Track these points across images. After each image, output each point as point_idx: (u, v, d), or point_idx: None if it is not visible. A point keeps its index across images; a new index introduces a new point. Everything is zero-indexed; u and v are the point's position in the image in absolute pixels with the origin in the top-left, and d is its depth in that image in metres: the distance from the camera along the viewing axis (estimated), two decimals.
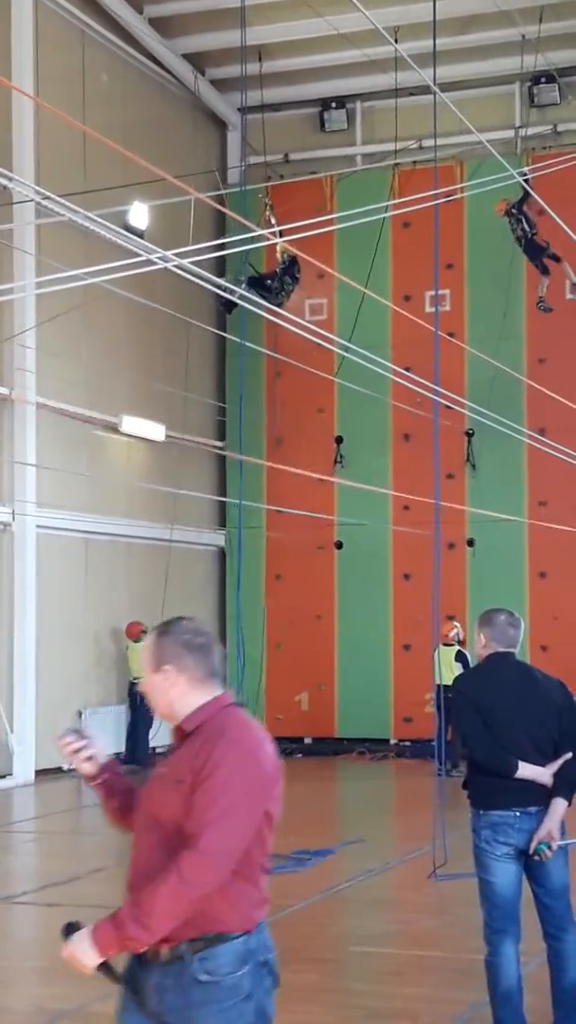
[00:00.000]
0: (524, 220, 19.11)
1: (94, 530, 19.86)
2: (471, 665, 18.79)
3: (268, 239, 16.72)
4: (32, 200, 16.44)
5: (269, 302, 18.46)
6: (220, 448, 22.68)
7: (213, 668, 3.77)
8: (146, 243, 12.87)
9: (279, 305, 19.09)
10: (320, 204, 20.30)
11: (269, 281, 19.88)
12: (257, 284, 19.62)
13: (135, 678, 19.85)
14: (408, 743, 21.16)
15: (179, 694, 3.76)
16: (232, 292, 16.41)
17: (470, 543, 21.82)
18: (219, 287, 15.71)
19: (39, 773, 17.90)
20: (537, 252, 19.34)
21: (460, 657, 18.82)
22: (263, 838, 3.69)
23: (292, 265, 19.85)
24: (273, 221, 18.77)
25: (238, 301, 16.82)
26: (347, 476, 20.74)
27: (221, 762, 3.58)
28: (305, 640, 22.26)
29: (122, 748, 19.75)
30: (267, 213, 19.37)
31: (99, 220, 12.32)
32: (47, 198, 14.27)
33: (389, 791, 18.61)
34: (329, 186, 22.38)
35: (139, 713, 19.75)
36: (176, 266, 11.09)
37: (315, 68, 22.36)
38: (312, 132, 23.44)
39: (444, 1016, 7.12)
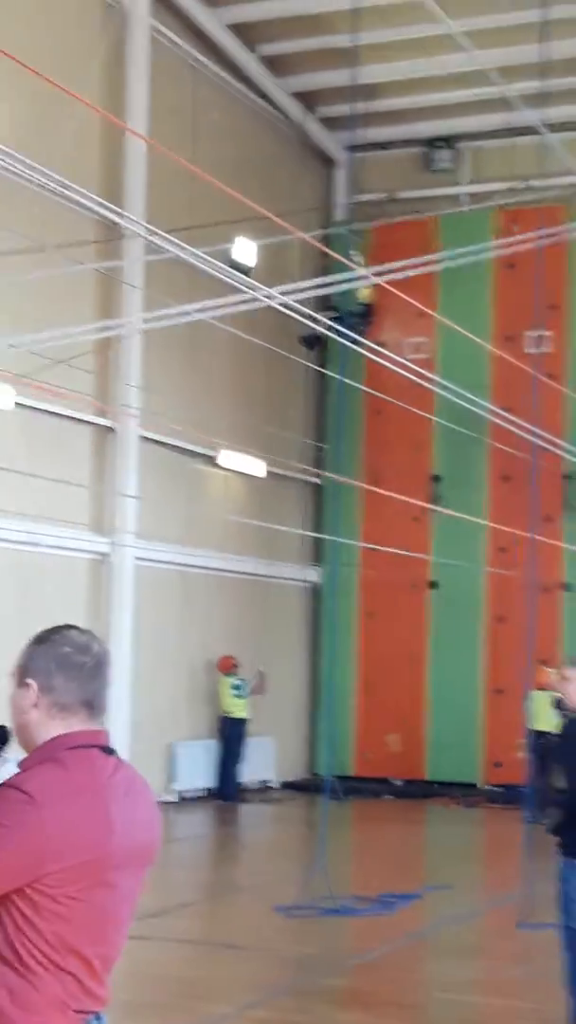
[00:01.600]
0: None
1: (190, 563, 20.00)
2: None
3: (368, 278, 16.81)
4: (141, 236, 16.70)
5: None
6: (317, 483, 22.74)
7: (89, 697, 2.94)
8: (251, 281, 13.04)
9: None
10: (424, 243, 20.37)
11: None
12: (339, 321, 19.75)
13: (225, 712, 19.97)
14: (499, 788, 20.99)
15: (36, 719, 2.93)
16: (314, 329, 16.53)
17: (567, 588, 21.65)
18: (310, 319, 15.83)
19: None
20: None
21: (558, 703, 18.66)
22: (68, 919, 2.78)
23: (367, 313, 19.99)
24: (361, 262, 18.88)
25: (327, 332, 16.89)
26: (443, 516, 20.72)
27: None
28: (397, 680, 22.22)
29: (212, 783, 19.87)
30: (355, 257, 19.45)
31: (206, 257, 12.50)
32: (155, 234, 14.49)
33: (478, 837, 18.48)
34: (434, 225, 22.45)
35: (229, 748, 19.87)
36: (280, 304, 11.22)
37: (423, 107, 22.46)
38: (418, 171, 23.54)
39: None
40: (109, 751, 2.93)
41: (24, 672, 2.95)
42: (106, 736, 2.96)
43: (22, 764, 2.94)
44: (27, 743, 2.98)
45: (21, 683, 2.95)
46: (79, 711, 2.93)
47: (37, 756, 2.90)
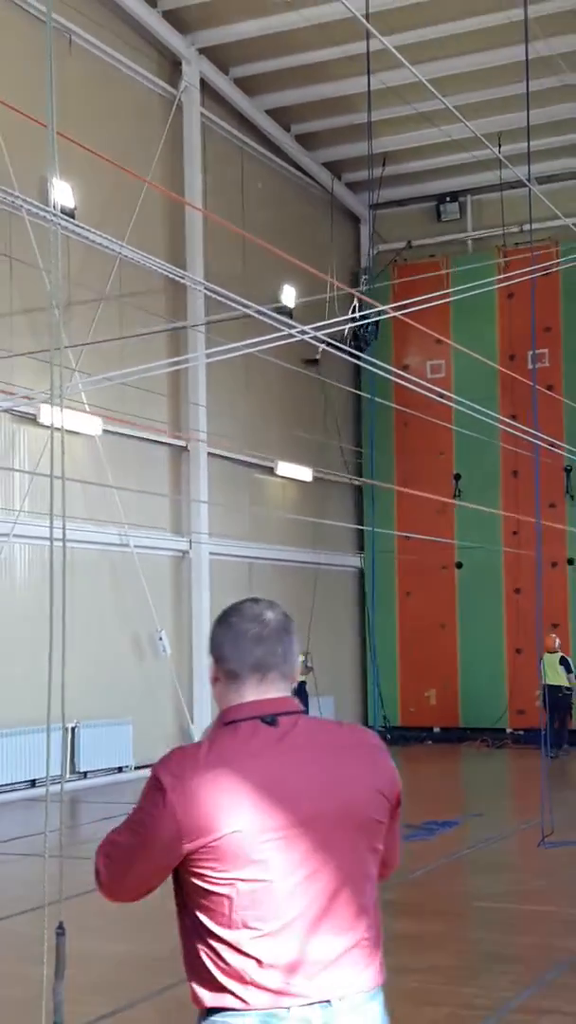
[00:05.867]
0: None
1: (255, 555, 20.06)
2: (573, 669, 18.57)
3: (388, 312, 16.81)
4: (200, 291, 16.80)
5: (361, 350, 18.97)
6: (358, 485, 22.76)
7: (256, 662, 2.49)
8: (290, 321, 13.07)
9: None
10: (437, 282, 20.32)
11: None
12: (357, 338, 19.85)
13: None
14: (521, 732, 20.89)
15: (219, 691, 2.54)
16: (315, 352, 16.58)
17: (570, 562, 21.52)
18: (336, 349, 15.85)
19: None
20: None
21: (563, 662, 18.62)
22: (229, 894, 2.35)
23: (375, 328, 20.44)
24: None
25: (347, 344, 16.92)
26: (464, 507, 20.67)
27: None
28: (432, 646, 22.18)
29: None
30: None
31: (255, 306, 12.55)
32: (212, 290, 14.57)
33: (505, 773, 18.39)
34: (445, 265, 22.39)
35: None
36: (313, 339, 11.24)
37: (432, 169, 22.43)
38: (430, 222, 23.50)
39: (554, 961, 7.06)
40: (271, 720, 2.44)
41: (209, 649, 2.58)
42: (278, 702, 2.49)
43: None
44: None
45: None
46: (249, 677, 2.49)
47: (207, 733, 2.49)
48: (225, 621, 2.53)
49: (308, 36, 17.99)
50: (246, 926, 2.33)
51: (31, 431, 15.13)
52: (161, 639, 17.36)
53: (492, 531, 21.32)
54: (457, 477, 22.28)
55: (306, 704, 20.16)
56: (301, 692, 19.95)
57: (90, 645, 15.27)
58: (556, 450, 17.07)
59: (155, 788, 2.36)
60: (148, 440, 17.46)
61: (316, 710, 20.57)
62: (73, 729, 15.38)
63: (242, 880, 2.32)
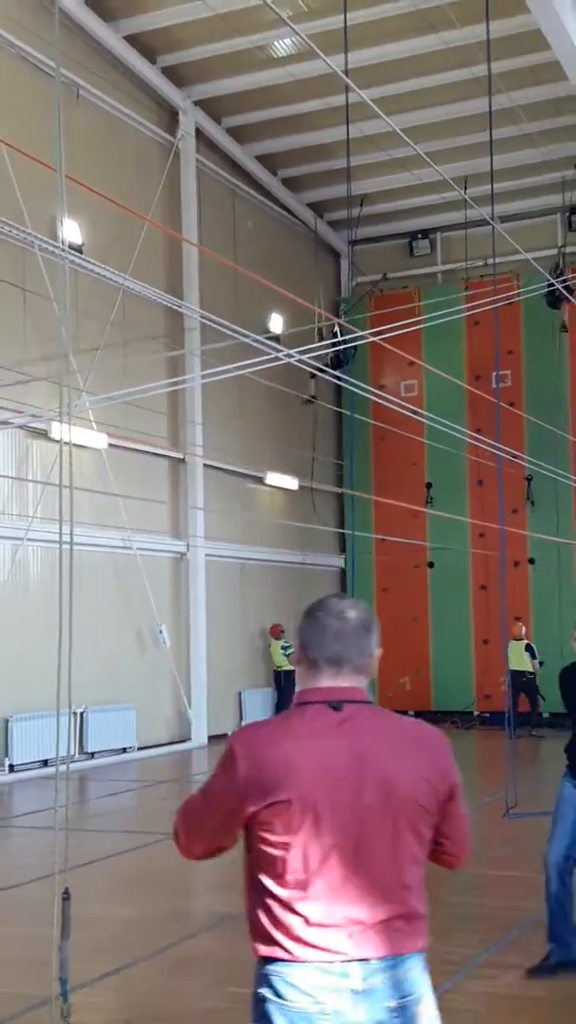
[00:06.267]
0: None
1: (247, 556, 20.03)
2: (537, 656, 18.56)
3: (366, 338, 16.82)
4: (196, 318, 16.79)
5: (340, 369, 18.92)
6: (339, 493, 22.75)
7: (332, 655, 2.51)
8: (277, 345, 13.05)
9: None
10: (410, 310, 20.35)
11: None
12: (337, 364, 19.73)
13: (277, 667, 19.96)
14: (488, 715, 20.88)
15: (300, 673, 2.58)
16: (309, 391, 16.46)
17: (531, 561, 21.53)
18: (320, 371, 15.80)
19: (211, 738, 18.07)
20: None
21: (528, 648, 18.62)
22: (252, 848, 2.45)
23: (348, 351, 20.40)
24: None
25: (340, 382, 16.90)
26: (435, 513, 20.67)
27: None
28: (407, 637, 22.15)
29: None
30: None
31: (246, 333, 12.52)
32: (207, 318, 14.56)
33: (473, 752, 18.37)
34: (417, 296, 22.41)
35: (281, 693, 19.86)
36: (299, 362, 11.23)
37: (405, 209, 22.45)
38: (403, 257, 23.50)
39: (517, 921, 7.04)
40: (337, 706, 2.46)
41: (296, 635, 2.61)
42: (348, 691, 2.50)
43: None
44: None
45: None
46: (325, 668, 2.51)
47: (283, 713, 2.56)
48: (312, 615, 2.57)
49: (293, 90, 18.01)
50: (296, 886, 2.38)
51: (43, 445, 15.07)
52: (161, 632, 17.31)
53: (460, 534, 21.32)
54: (429, 486, 22.27)
55: (292, 692, 20.10)
56: (290, 681, 19.91)
57: (97, 638, 15.21)
58: (518, 461, 17.09)
59: (227, 756, 2.44)
60: (149, 453, 17.42)
61: None
62: (81, 714, 15.32)
63: (293, 844, 2.38)
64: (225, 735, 18.65)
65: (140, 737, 16.48)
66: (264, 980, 2.41)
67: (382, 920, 2.41)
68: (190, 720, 17.82)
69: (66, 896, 3.50)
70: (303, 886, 2.38)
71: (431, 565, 22.31)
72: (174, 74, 18.02)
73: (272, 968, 2.40)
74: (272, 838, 2.39)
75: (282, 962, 2.39)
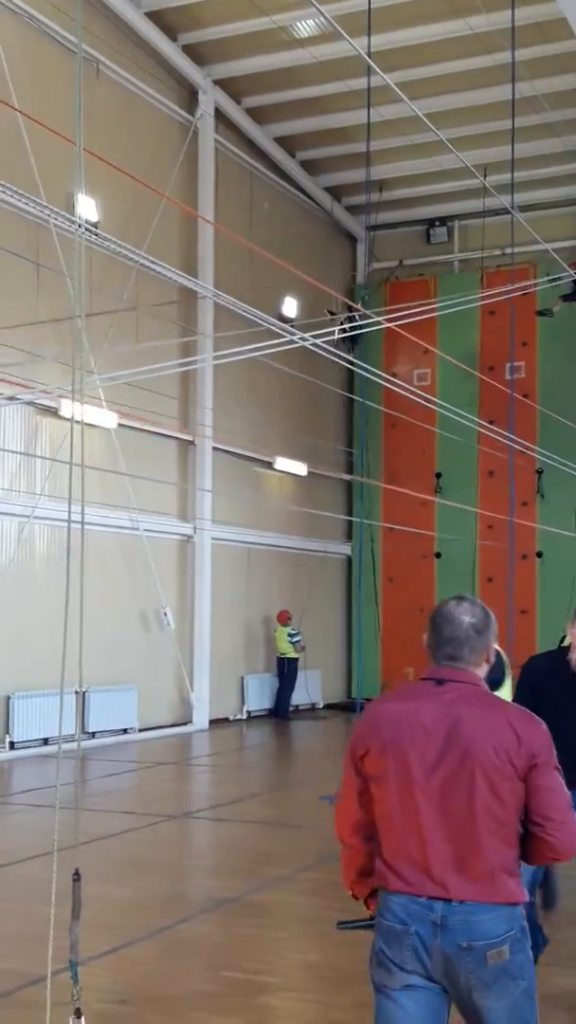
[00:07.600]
0: None
1: (254, 541, 20.03)
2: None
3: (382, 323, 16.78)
4: (210, 297, 16.75)
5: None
6: (348, 480, 22.73)
7: (442, 648, 3.04)
8: (291, 328, 13.01)
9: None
10: (426, 297, 20.26)
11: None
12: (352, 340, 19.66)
13: (281, 653, 19.98)
14: None
15: (428, 659, 3.13)
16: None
17: (539, 555, 21.51)
18: (341, 358, 15.75)
19: (212, 722, 18.11)
20: None
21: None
22: (370, 800, 2.98)
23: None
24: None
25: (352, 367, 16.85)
26: (444, 503, 20.64)
27: None
28: (412, 627, 22.12)
29: (270, 704, 19.93)
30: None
31: (260, 313, 12.50)
32: (221, 299, 14.52)
33: None
34: (433, 284, 22.34)
35: (284, 679, 19.89)
36: (313, 345, 11.21)
37: (424, 196, 22.35)
38: (420, 244, 23.42)
39: None
40: (441, 681, 2.97)
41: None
42: (456, 673, 2.99)
43: None
44: None
45: None
46: (439, 658, 3.04)
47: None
48: (433, 619, 3.09)
49: (314, 71, 17.91)
50: (389, 824, 2.88)
51: (53, 423, 15.08)
52: (166, 614, 17.34)
53: (469, 525, 21.30)
54: (438, 475, 22.25)
55: (295, 679, 20.13)
56: (292, 668, 19.94)
57: (101, 618, 15.24)
58: (529, 453, 17.05)
59: (364, 716, 3.03)
60: (159, 434, 17.41)
61: (304, 683, 20.58)
62: (84, 693, 15.36)
63: (386, 783, 2.89)
64: (226, 719, 18.71)
65: (141, 719, 16.52)
66: (379, 904, 2.93)
67: (459, 866, 2.79)
68: (192, 703, 17.86)
69: (76, 877, 3.55)
70: (394, 822, 2.87)
71: (438, 556, 22.30)
72: (194, 52, 17.93)
73: (380, 895, 2.92)
74: (372, 777, 2.91)
75: (384, 890, 2.89)
